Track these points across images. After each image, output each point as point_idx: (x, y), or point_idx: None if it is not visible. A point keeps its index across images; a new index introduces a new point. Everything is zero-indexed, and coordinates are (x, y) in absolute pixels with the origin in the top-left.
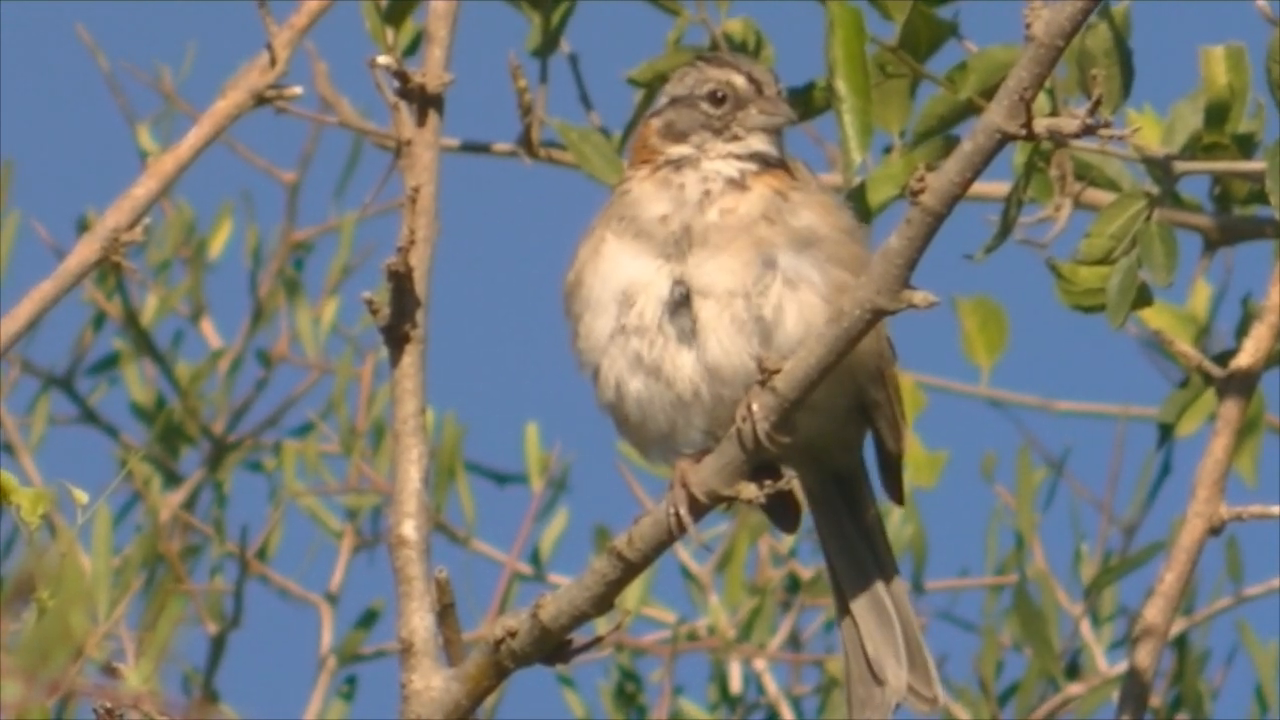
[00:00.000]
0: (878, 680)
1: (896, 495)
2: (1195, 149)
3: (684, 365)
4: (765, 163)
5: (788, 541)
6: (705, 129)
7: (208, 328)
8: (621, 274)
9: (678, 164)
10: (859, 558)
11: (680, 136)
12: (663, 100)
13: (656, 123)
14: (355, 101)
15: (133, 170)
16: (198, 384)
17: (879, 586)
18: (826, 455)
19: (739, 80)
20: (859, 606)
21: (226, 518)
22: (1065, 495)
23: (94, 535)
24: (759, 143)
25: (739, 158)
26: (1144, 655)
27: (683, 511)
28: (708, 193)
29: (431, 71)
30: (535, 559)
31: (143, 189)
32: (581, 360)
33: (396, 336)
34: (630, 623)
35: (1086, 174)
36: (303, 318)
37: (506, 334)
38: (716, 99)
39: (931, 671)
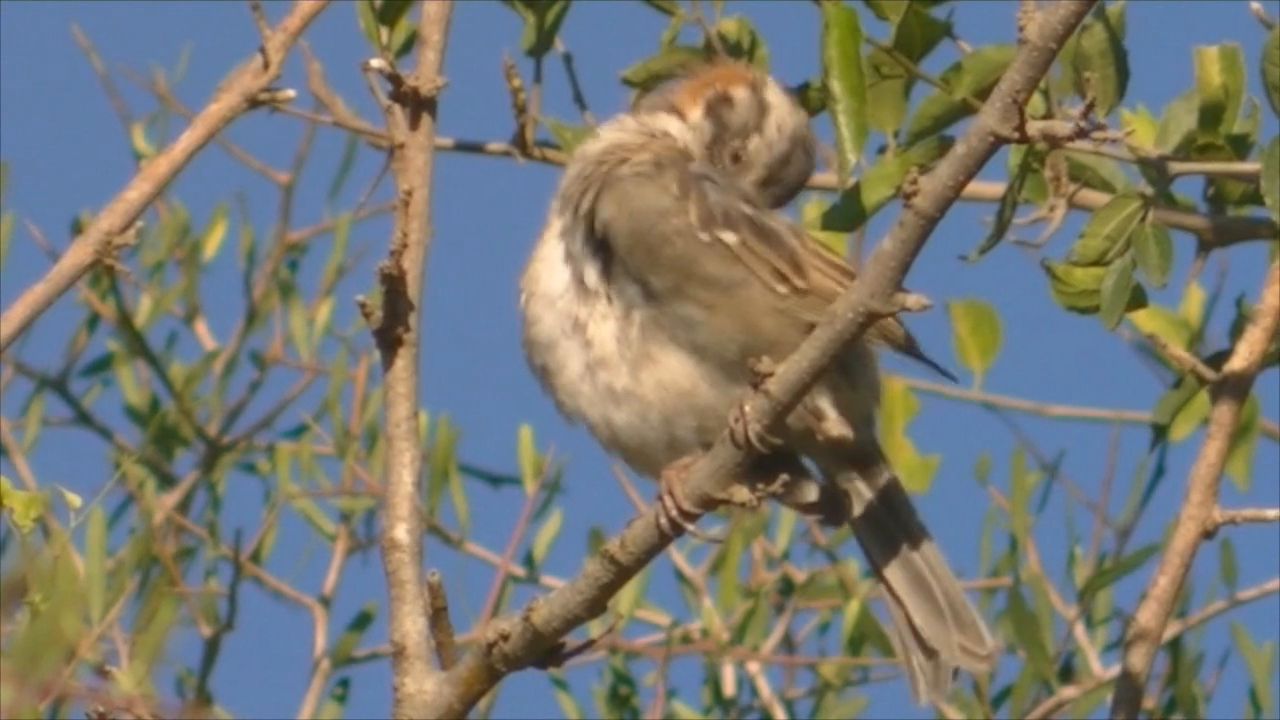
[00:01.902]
0: (931, 653)
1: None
2: (1189, 150)
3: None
4: None
5: (781, 544)
6: (712, 146)
7: (202, 329)
8: (554, 290)
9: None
10: (889, 532)
11: (714, 125)
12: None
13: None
14: (349, 101)
15: (127, 172)
16: (192, 386)
17: (913, 557)
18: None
19: (753, 179)
20: (898, 582)
21: (220, 520)
22: (1059, 498)
23: (87, 538)
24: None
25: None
26: (1138, 658)
27: (676, 518)
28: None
29: (424, 75)
30: (529, 562)
31: (136, 191)
32: (565, 411)
33: (389, 340)
34: (623, 626)
35: (1081, 175)
36: (297, 319)
37: (500, 336)
38: (736, 156)
39: (981, 627)
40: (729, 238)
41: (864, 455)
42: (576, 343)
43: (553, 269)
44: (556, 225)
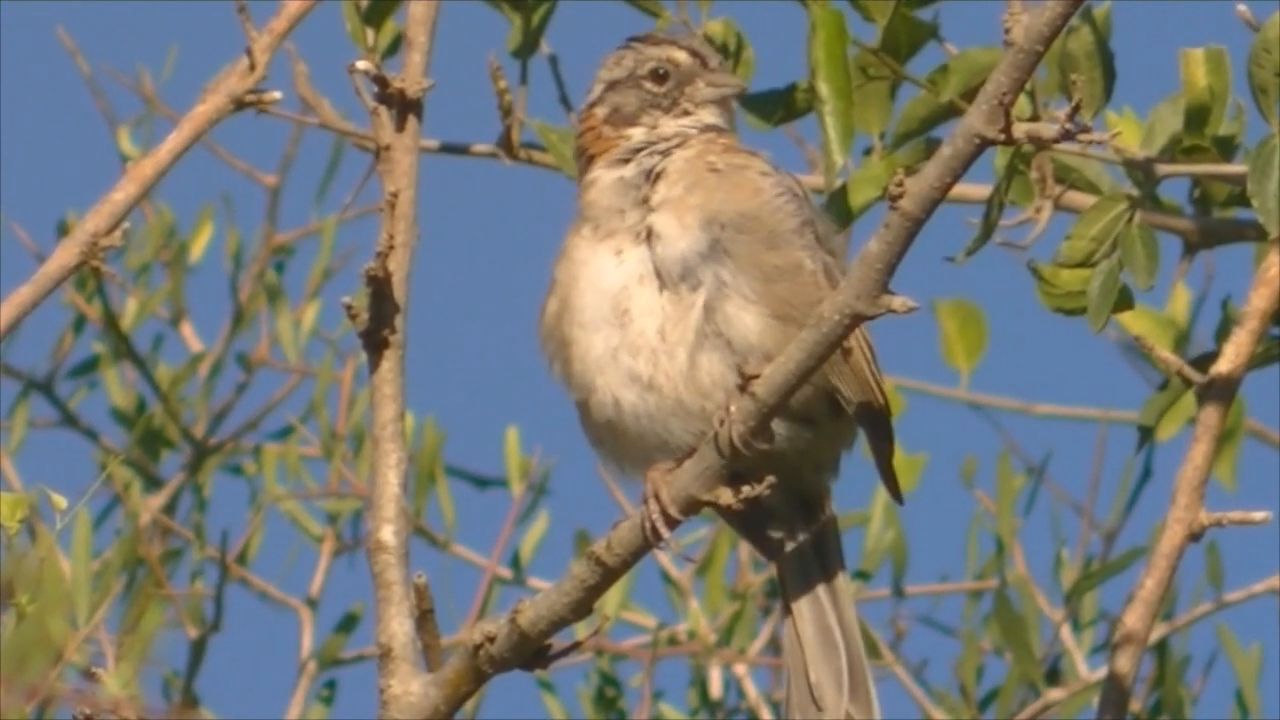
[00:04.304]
0: (818, 707)
1: (893, 492)
2: (1175, 151)
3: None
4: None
5: None
6: (654, 108)
7: (188, 331)
8: (606, 285)
9: (636, 151)
10: (812, 580)
11: (629, 120)
12: (598, 88)
13: (600, 112)
14: (335, 103)
15: (113, 174)
16: (178, 388)
17: (829, 611)
18: (795, 475)
19: (681, 55)
20: (806, 631)
21: (207, 522)
22: (1045, 500)
23: (74, 539)
24: (710, 116)
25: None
26: (1124, 661)
27: (660, 527)
28: (649, 175)
29: (410, 77)
30: (515, 563)
31: (122, 193)
32: (574, 383)
33: (375, 342)
34: (610, 627)
35: (1067, 177)
36: (283, 321)
37: (487, 338)
38: (659, 76)
39: (873, 700)
40: (808, 262)
41: (815, 499)
42: (617, 328)
43: (602, 268)
44: (602, 230)
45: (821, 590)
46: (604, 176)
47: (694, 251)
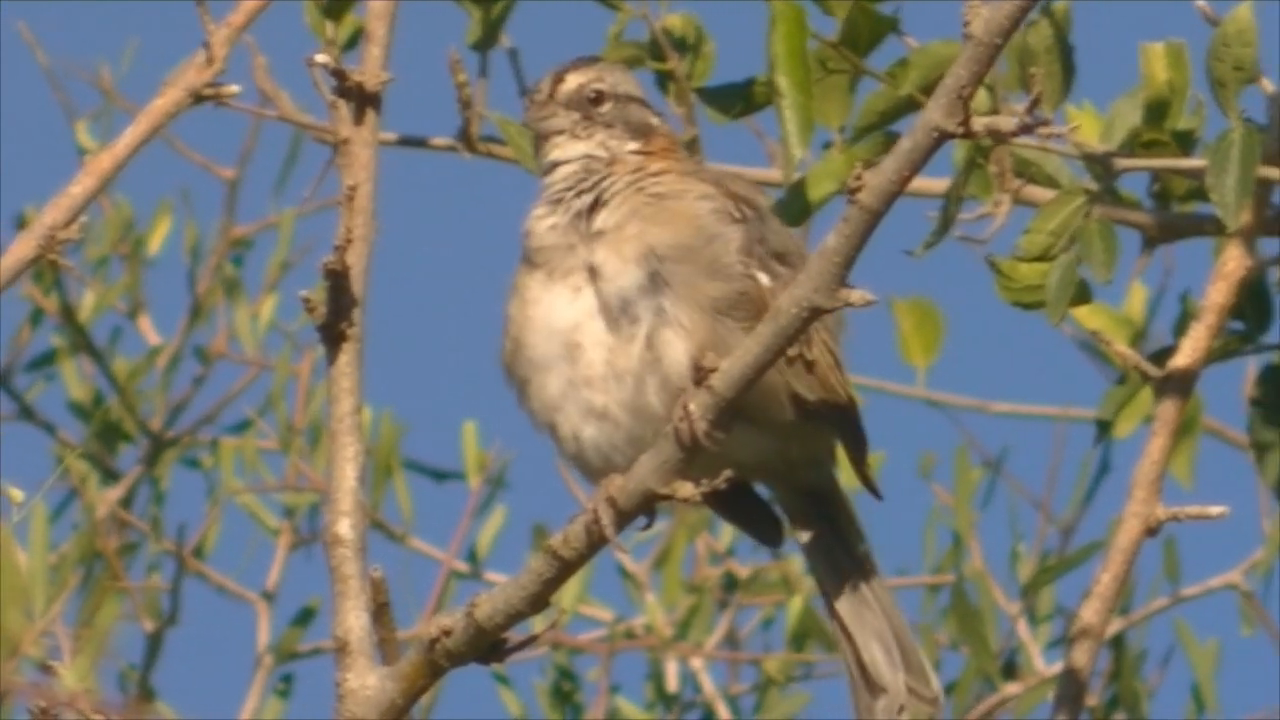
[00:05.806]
0: (878, 689)
1: (870, 489)
2: (1134, 146)
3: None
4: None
5: (725, 540)
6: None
7: (146, 325)
8: (558, 322)
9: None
10: (843, 569)
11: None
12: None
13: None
14: (295, 97)
15: (71, 167)
16: (135, 381)
17: (866, 595)
18: (794, 473)
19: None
20: (850, 618)
21: (164, 515)
22: (1003, 495)
23: (30, 532)
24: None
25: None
26: (1081, 655)
27: (605, 522)
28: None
29: (369, 70)
30: (473, 557)
31: (80, 187)
32: (536, 421)
33: (333, 335)
34: (567, 621)
35: (1026, 171)
36: (241, 314)
37: (445, 331)
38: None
39: (928, 669)
40: (763, 279)
41: (821, 491)
42: (568, 363)
43: (552, 306)
44: (557, 271)
45: (854, 575)
46: (541, 220)
47: (633, 286)
